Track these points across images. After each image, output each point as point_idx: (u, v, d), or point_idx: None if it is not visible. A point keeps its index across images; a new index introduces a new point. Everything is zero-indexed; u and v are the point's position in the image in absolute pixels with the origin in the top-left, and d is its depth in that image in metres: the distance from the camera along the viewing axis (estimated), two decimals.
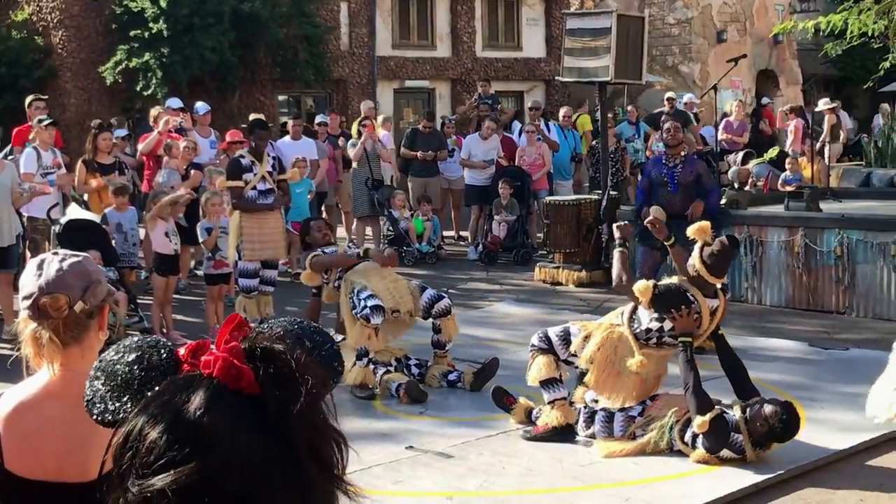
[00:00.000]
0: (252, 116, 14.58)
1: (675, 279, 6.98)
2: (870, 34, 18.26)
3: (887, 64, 18.69)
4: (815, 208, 11.67)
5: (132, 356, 1.34)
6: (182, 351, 1.31)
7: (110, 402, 1.34)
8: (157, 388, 1.28)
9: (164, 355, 1.33)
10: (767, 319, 10.31)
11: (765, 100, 23.37)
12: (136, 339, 1.38)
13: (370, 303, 8.17)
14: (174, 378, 1.29)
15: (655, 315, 6.75)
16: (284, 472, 1.23)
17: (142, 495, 1.21)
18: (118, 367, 1.35)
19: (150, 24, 20.01)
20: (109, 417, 1.34)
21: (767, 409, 6.32)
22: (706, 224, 6.88)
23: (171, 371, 1.30)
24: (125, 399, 1.32)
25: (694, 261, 6.71)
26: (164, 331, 10.17)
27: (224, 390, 1.25)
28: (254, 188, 10.18)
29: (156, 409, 1.25)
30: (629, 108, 19.68)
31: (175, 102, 14.58)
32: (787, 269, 11.26)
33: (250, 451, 1.21)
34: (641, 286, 6.75)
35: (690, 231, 6.77)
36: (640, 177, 17.79)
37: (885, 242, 10.60)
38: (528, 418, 7.26)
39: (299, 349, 1.30)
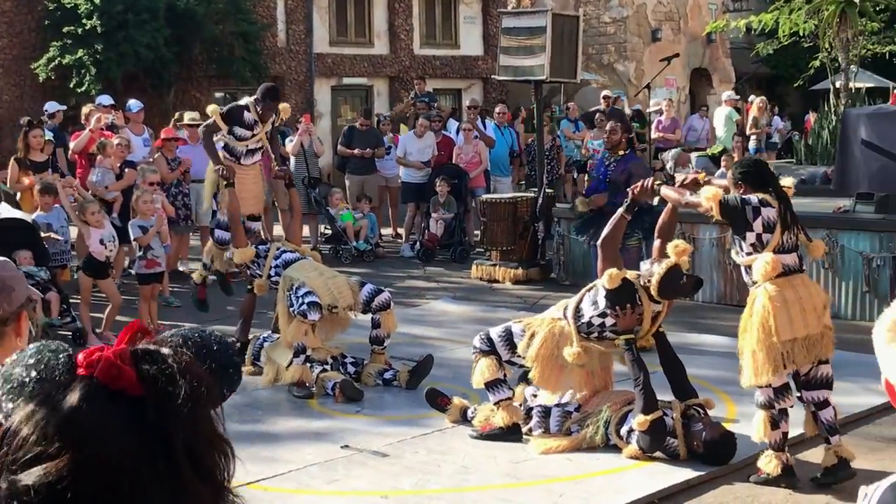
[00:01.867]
0: (187, 115, 14.55)
1: (643, 268, 6.91)
2: (801, 33, 18.59)
3: (817, 63, 19.03)
4: None
5: (31, 360, 1.36)
6: (80, 355, 1.32)
7: (4, 404, 1.35)
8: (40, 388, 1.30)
9: (62, 359, 1.35)
10: (700, 316, 10.45)
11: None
12: (38, 343, 1.39)
13: (308, 299, 8.17)
14: (56, 378, 1.30)
15: (598, 311, 6.80)
16: (156, 473, 1.25)
17: (10, 491, 1.22)
18: (16, 370, 1.36)
19: (84, 21, 19.76)
20: (1, 418, 1.36)
21: (707, 435, 6.41)
22: (688, 247, 6.85)
23: (67, 374, 1.32)
24: (19, 401, 1.33)
25: (655, 273, 6.67)
26: (99, 331, 10.07)
27: (103, 389, 1.27)
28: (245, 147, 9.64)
29: (33, 406, 1.27)
30: (570, 105, 19.81)
31: (106, 99, 14.43)
32: (719, 266, 11.42)
33: (122, 450, 1.23)
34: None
35: (671, 248, 6.70)
36: (575, 174, 18.01)
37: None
38: (464, 418, 7.30)
39: (188, 355, 1.32)
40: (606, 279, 6.67)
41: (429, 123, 15.93)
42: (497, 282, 13.13)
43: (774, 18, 18.26)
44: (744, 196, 6.28)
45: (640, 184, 7.08)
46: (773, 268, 6.15)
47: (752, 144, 19.15)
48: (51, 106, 14.34)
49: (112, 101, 14.42)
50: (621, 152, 10.13)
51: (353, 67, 24.85)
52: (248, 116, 9.28)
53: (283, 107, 9.60)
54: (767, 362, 6.14)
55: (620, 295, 6.68)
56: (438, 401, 7.45)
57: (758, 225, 6.26)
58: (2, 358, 2.68)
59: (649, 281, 6.65)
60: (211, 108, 9.57)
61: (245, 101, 9.50)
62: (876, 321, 1.96)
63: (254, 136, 9.35)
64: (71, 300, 10.44)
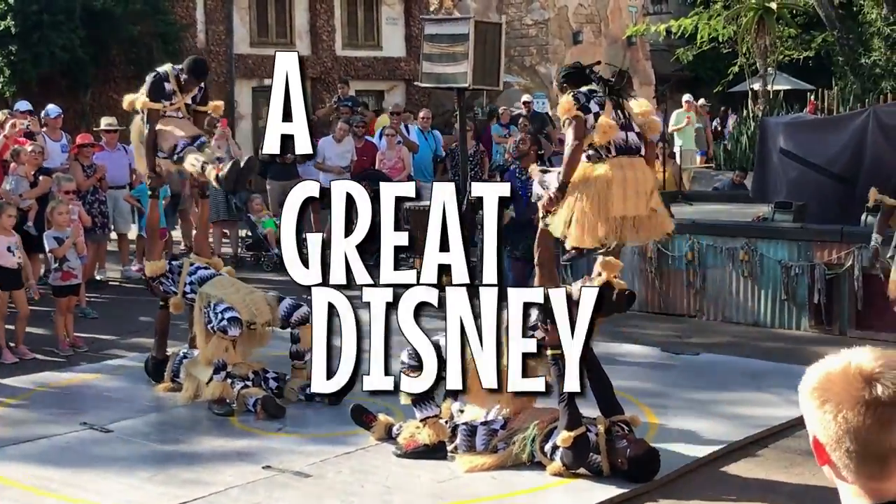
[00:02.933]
0: (103, 120, 14.26)
1: (574, 286, 6.88)
2: (719, 39, 18.86)
3: (736, 68, 19.33)
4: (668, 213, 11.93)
5: None
6: None
7: None
8: None
9: None
10: (621, 324, 10.48)
11: None
12: None
13: (227, 315, 8.04)
14: None
15: (528, 325, 6.76)
16: None
17: None
18: None
19: None
20: None
21: (631, 452, 6.42)
22: (618, 263, 6.87)
23: None
24: None
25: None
26: (13, 345, 9.82)
27: None
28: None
29: None
30: (501, 109, 19.79)
31: (23, 105, 14.07)
32: (641, 274, 11.50)
33: None
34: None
35: (600, 264, 6.72)
36: (498, 178, 17.98)
37: (734, 247, 10.92)
38: (389, 435, 7.23)
39: None
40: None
41: (348, 128, 15.78)
42: None
43: (693, 24, 18.52)
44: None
45: (548, 196, 7.08)
46: (610, 127, 6.69)
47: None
48: (52, 110, 13.85)
49: (29, 107, 14.05)
50: (533, 165, 10.15)
51: (273, 68, 24.53)
52: (168, 87, 8.91)
53: (216, 104, 9.39)
54: (599, 228, 6.62)
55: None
56: (363, 418, 7.36)
57: (594, 106, 6.80)
58: None
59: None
60: (139, 101, 8.88)
61: (164, 69, 9.02)
62: (801, 380, 1.93)
63: (172, 104, 8.91)
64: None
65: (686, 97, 20.31)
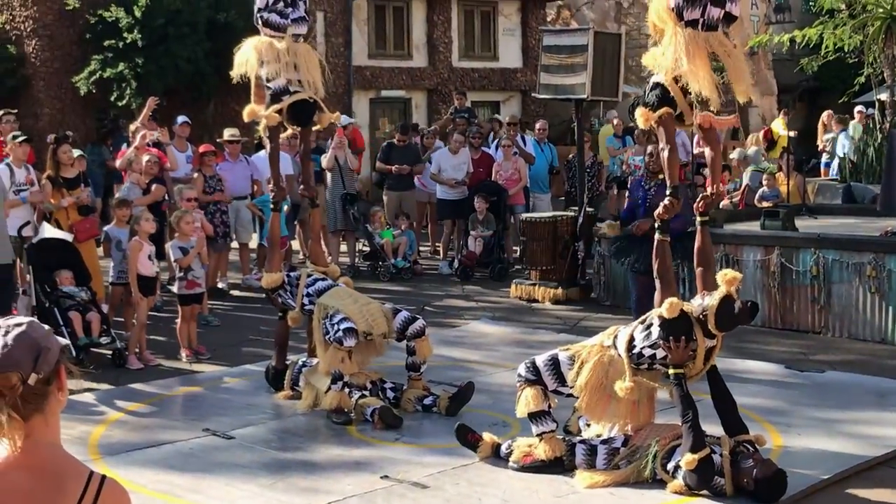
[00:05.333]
0: (227, 131, 14.57)
1: (694, 304, 6.74)
2: (845, 49, 18.38)
3: (862, 79, 18.81)
4: (791, 227, 11.67)
5: None
6: None
7: None
8: None
9: None
10: (744, 340, 10.28)
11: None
12: None
13: (343, 326, 8.10)
14: None
15: (650, 342, 6.66)
16: None
17: None
18: None
19: (125, 34, 19.89)
20: None
21: (759, 473, 6.26)
22: (738, 276, 6.69)
23: None
24: None
25: (709, 306, 6.53)
26: (138, 351, 10.07)
27: None
28: None
29: None
30: (615, 120, 19.62)
31: (181, 118, 14.47)
32: (764, 289, 11.25)
33: None
34: (671, 303, 6.58)
35: (720, 278, 6.58)
36: (615, 190, 17.82)
37: (860, 262, 10.61)
38: (496, 455, 7.14)
39: None
40: (666, 308, 6.52)
41: (463, 139, 15.82)
42: (536, 301, 13.03)
43: (819, 33, 18.10)
44: None
45: (662, 205, 6.97)
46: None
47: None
48: (179, 119, 14.41)
49: (187, 119, 14.46)
50: (661, 177, 10.01)
51: (391, 80, 24.83)
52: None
53: (335, 116, 9.50)
54: None
55: (676, 327, 6.52)
56: (468, 437, 7.28)
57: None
58: (48, 417, 2.63)
59: (704, 315, 6.51)
60: (268, 114, 8.77)
61: (281, 82, 8.74)
62: None
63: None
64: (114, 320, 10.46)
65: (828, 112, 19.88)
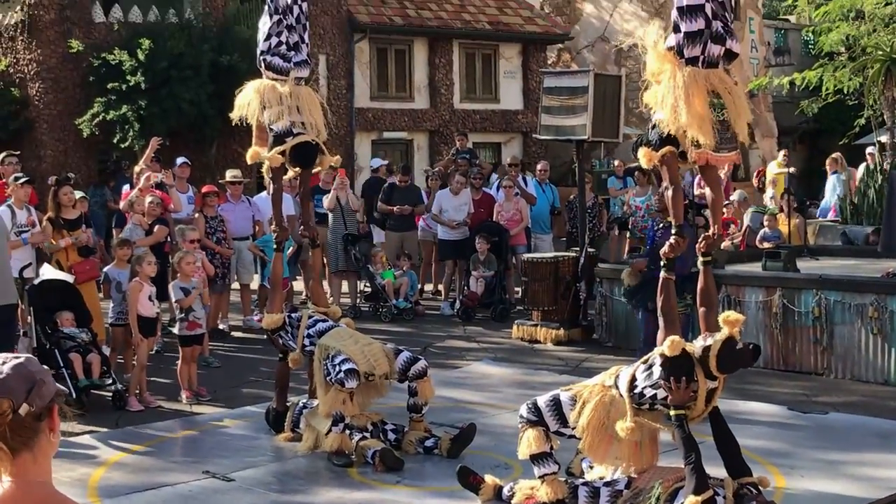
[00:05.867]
0: (229, 172, 14.62)
1: (696, 345, 6.70)
2: (845, 91, 18.48)
3: (862, 121, 18.90)
4: (793, 268, 11.67)
5: None
6: None
7: None
8: None
9: None
10: (746, 381, 10.24)
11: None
12: None
13: (345, 367, 8.07)
14: None
15: (651, 381, 6.62)
16: None
17: None
18: None
19: (128, 77, 20.00)
20: None
21: None
22: (740, 317, 6.65)
23: None
24: None
25: (712, 347, 6.49)
26: (138, 392, 10.04)
27: None
28: None
29: None
30: (616, 162, 19.68)
31: (180, 160, 14.50)
32: (766, 330, 11.23)
33: None
34: (673, 341, 6.53)
35: (722, 319, 6.54)
36: (616, 231, 17.83)
37: (862, 303, 10.60)
38: (497, 497, 7.09)
39: None
40: (668, 346, 6.48)
41: (465, 180, 15.87)
42: (538, 342, 13.00)
43: (818, 76, 18.20)
44: None
45: (668, 244, 6.96)
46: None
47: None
48: (178, 160, 14.44)
49: (186, 160, 14.49)
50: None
51: (393, 121, 24.95)
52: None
53: (335, 159, 9.53)
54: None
55: (677, 367, 6.47)
56: (470, 479, 7.23)
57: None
58: (38, 456, 2.62)
59: (705, 356, 6.47)
60: (272, 156, 8.81)
61: (283, 125, 8.79)
62: None
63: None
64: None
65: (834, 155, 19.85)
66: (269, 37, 8.93)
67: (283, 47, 8.90)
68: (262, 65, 8.94)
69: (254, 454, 8.35)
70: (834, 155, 19.00)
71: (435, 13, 25.59)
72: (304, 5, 9.08)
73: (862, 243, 14.54)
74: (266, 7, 9.03)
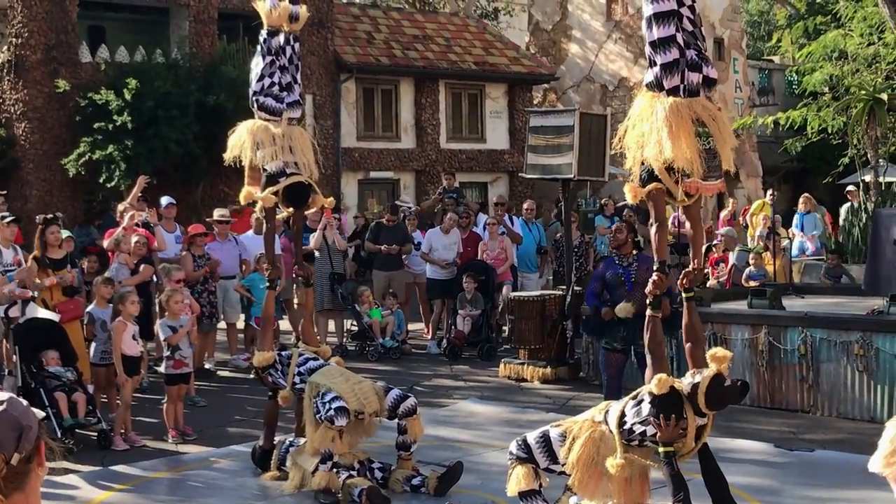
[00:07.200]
0: (216, 211, 14.64)
1: (684, 381, 6.69)
2: (829, 130, 18.64)
3: (846, 159, 19.06)
4: (779, 306, 11.71)
5: None
6: None
7: None
8: None
9: None
10: (733, 419, 10.24)
11: None
12: None
13: (335, 405, 8.05)
14: None
15: (640, 418, 6.61)
16: None
17: None
18: None
19: (115, 117, 20.02)
20: None
21: None
22: (728, 354, 6.65)
23: None
24: None
25: (700, 384, 6.48)
26: (123, 431, 9.98)
27: None
28: None
29: None
30: (604, 200, 19.76)
31: (166, 199, 14.49)
32: (752, 367, 11.25)
33: None
34: (661, 380, 6.51)
35: (710, 357, 6.54)
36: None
37: (848, 341, 10.63)
38: None
39: None
40: (655, 384, 6.48)
41: (457, 219, 15.92)
42: (525, 381, 12.99)
43: (802, 115, 18.36)
44: None
45: (651, 281, 6.97)
46: None
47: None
48: (164, 201, 14.44)
49: (172, 200, 14.49)
50: (634, 252, 10.18)
51: (379, 161, 25.03)
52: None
53: (328, 200, 9.57)
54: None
55: (666, 404, 6.46)
56: None
57: None
58: (29, 495, 2.61)
59: (694, 392, 6.46)
60: (265, 196, 8.85)
61: (276, 165, 8.89)
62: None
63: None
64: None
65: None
66: (261, 77, 8.99)
67: (276, 88, 8.95)
68: (255, 105, 8.99)
69: (240, 493, 8.31)
70: (805, 195, 19.10)
71: (421, 53, 25.76)
72: (297, 46, 9.16)
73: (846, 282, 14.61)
74: (259, 48, 9.11)
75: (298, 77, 9.14)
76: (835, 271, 14.86)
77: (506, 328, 15.26)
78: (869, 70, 20.84)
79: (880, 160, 17.90)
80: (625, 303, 10.08)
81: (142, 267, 12.58)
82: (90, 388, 10.37)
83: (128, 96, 20.07)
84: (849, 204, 18.35)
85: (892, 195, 17.63)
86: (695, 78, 6.75)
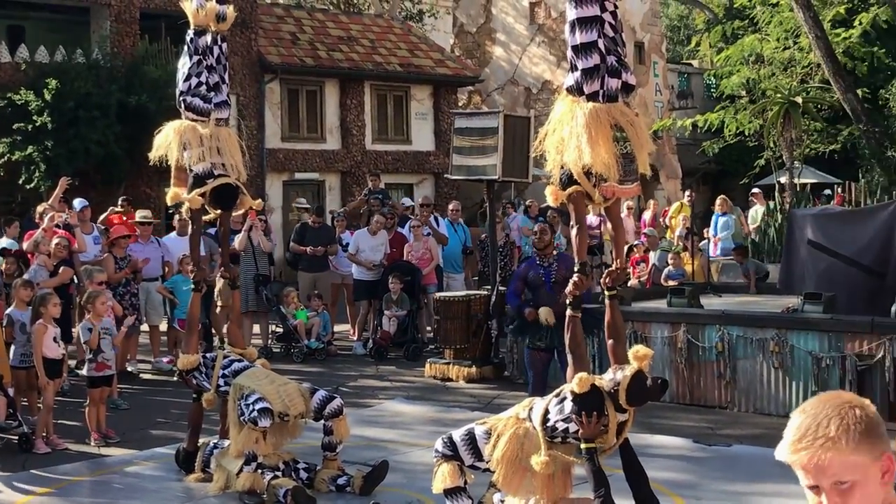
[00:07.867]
0: (138, 213, 14.52)
1: (605, 378, 6.80)
2: (746, 133, 19.03)
3: (762, 161, 19.47)
4: (697, 304, 11.94)
5: None
6: None
7: None
8: None
9: None
10: (652, 415, 10.43)
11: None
12: None
13: (258, 406, 8.06)
14: None
15: (563, 415, 6.72)
16: None
17: None
18: None
19: (35, 117, 19.74)
20: None
21: None
22: (649, 352, 6.78)
23: None
24: None
25: (622, 381, 6.60)
26: (45, 435, 9.88)
27: None
28: None
29: None
30: (529, 201, 19.95)
31: (79, 203, 14.30)
32: (671, 365, 11.47)
33: None
34: (581, 378, 6.62)
35: (632, 354, 6.67)
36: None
37: (764, 338, 10.89)
38: None
39: None
40: (576, 383, 6.60)
41: (384, 220, 15.98)
42: (450, 380, 13.09)
43: (720, 118, 18.72)
44: None
45: (572, 282, 7.09)
46: None
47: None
48: (78, 203, 14.16)
49: (86, 203, 14.31)
50: (555, 252, 10.35)
51: (304, 162, 24.99)
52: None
53: (257, 202, 9.57)
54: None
55: (587, 401, 6.59)
56: None
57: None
58: None
59: (615, 390, 6.59)
60: (192, 198, 8.85)
61: (204, 166, 8.82)
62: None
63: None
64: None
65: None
66: (188, 77, 8.95)
67: (204, 88, 8.93)
68: (182, 105, 8.95)
69: (164, 495, 8.28)
70: (721, 196, 19.50)
71: (346, 55, 25.76)
72: (224, 46, 9.14)
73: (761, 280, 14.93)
74: (185, 47, 9.07)
75: (226, 77, 9.13)
76: (744, 267, 15.16)
77: (430, 328, 15.34)
78: (785, 74, 21.29)
79: (795, 162, 18.32)
80: (547, 307, 10.23)
81: (61, 269, 12.44)
82: (10, 392, 10.25)
83: (48, 97, 19.81)
84: (755, 207, 18.74)
85: (807, 196, 18.07)
86: (614, 84, 6.89)
